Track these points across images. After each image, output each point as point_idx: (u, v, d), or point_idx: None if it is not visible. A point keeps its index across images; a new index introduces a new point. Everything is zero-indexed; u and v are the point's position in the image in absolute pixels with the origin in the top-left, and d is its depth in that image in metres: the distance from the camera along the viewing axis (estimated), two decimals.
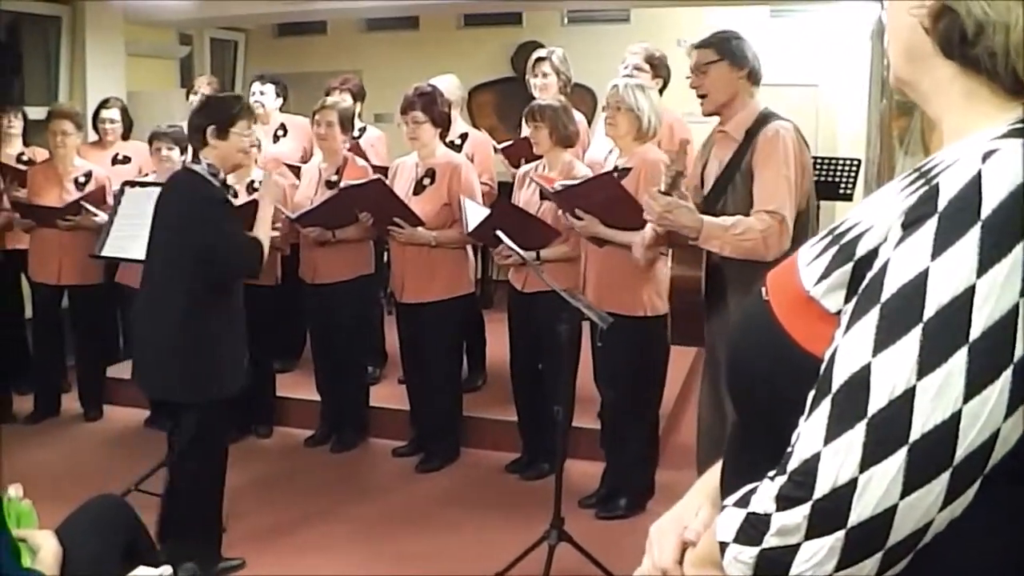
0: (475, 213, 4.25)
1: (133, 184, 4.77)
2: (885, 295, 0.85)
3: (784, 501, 0.86)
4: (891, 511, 0.82)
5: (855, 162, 6.71)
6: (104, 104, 5.70)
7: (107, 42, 6.92)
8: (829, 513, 0.83)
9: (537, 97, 4.69)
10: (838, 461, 0.83)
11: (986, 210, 0.82)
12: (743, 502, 0.92)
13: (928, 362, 0.82)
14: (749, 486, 0.93)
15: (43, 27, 6.77)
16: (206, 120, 3.47)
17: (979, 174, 0.84)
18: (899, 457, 0.81)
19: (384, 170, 4.85)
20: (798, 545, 0.85)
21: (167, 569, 2.38)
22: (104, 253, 4.60)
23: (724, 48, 3.18)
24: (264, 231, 3.56)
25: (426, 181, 4.51)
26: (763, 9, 7.77)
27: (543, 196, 4.14)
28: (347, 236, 4.68)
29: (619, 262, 3.74)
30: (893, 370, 0.83)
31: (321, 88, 5.59)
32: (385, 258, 5.12)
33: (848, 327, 0.88)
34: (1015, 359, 0.81)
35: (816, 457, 0.85)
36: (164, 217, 3.51)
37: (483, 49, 8.64)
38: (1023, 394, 0.82)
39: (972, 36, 0.92)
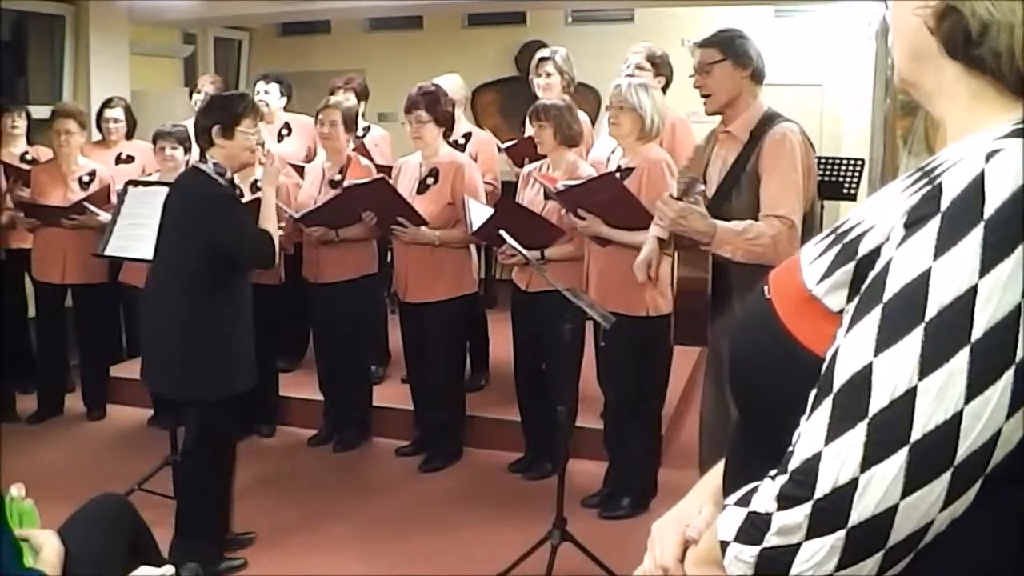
0: (479, 212, 4.25)
1: (137, 183, 4.77)
2: (887, 295, 0.85)
3: (785, 500, 0.86)
4: (892, 511, 0.82)
5: (859, 162, 6.71)
6: (108, 103, 5.71)
7: (111, 41, 6.93)
8: (830, 513, 0.83)
9: (541, 97, 4.70)
10: (839, 461, 0.83)
11: (989, 210, 0.82)
12: (744, 501, 0.92)
13: (930, 362, 0.81)
14: (750, 485, 0.92)
15: (47, 26, 6.78)
16: (211, 120, 3.48)
17: (982, 174, 0.84)
18: (900, 457, 0.81)
19: (388, 169, 4.85)
20: (799, 544, 0.85)
21: (169, 569, 2.38)
22: (107, 252, 4.60)
23: (728, 47, 3.17)
24: (271, 221, 3.56)
25: (430, 180, 4.51)
26: (767, 9, 7.76)
27: (547, 196, 4.14)
28: (351, 235, 4.68)
29: (622, 262, 3.74)
30: (895, 370, 0.83)
31: (325, 87, 5.60)
32: (389, 258, 5.12)
33: (850, 326, 0.88)
34: (1017, 360, 0.81)
35: (817, 457, 0.85)
36: (171, 216, 3.52)
37: (487, 49, 8.64)
38: None
39: (976, 36, 0.92)
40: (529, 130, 4.35)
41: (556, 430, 3.66)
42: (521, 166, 4.81)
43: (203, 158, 3.52)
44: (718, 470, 1.15)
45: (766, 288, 1.03)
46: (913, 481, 0.81)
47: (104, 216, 4.89)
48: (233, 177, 3.57)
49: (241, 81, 8.98)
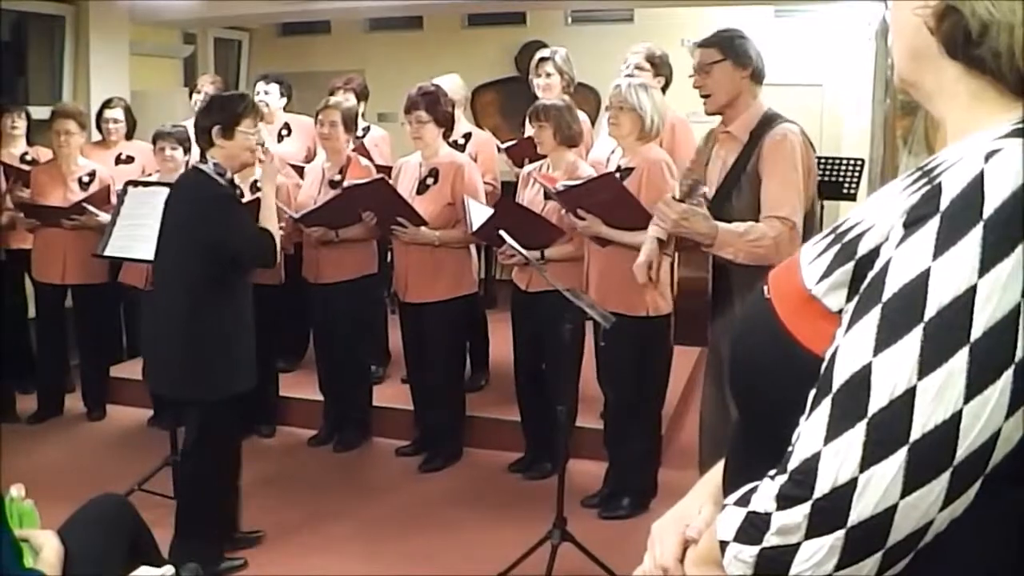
0: (479, 213, 4.25)
1: (136, 184, 4.77)
2: (886, 295, 0.85)
3: (784, 500, 0.86)
4: (891, 511, 0.82)
5: (859, 162, 6.72)
6: (108, 104, 5.71)
7: (111, 42, 6.93)
8: (829, 512, 0.83)
9: (540, 97, 4.69)
10: (838, 461, 0.83)
11: (988, 210, 0.82)
12: (744, 501, 0.92)
13: (929, 362, 0.81)
14: (750, 485, 0.92)
15: (47, 26, 6.78)
16: (211, 120, 3.48)
17: (981, 173, 0.84)
18: (899, 457, 0.81)
19: (388, 170, 4.85)
20: (798, 544, 0.85)
21: (169, 569, 2.38)
22: (107, 253, 4.60)
23: (727, 47, 3.17)
24: (271, 218, 3.57)
25: (429, 181, 4.51)
26: (767, 9, 7.75)
27: (547, 196, 4.14)
28: (350, 236, 4.68)
29: (621, 262, 3.73)
30: (894, 370, 0.83)
31: (325, 88, 5.60)
32: (388, 258, 5.13)
33: (849, 326, 0.88)
34: (1016, 359, 0.81)
35: (816, 456, 0.85)
36: (172, 217, 3.53)
37: (487, 49, 8.63)
38: None
39: (976, 36, 0.92)
40: (529, 130, 4.35)
41: (556, 430, 3.66)
42: (521, 166, 4.81)
43: (203, 159, 3.52)
44: (718, 470, 1.15)
45: (766, 288, 1.03)
46: (912, 481, 0.81)
47: (104, 217, 4.89)
48: (233, 177, 3.57)
49: (241, 81, 8.98)
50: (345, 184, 4.59)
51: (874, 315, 0.85)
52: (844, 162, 6.73)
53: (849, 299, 0.91)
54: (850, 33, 7.49)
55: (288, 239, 4.64)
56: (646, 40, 5.16)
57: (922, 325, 0.82)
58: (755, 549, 0.88)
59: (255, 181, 4.64)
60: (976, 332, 0.81)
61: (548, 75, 4.94)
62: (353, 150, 4.93)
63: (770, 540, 0.86)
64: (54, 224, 5.05)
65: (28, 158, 5.50)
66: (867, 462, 0.82)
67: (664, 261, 3.55)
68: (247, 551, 3.71)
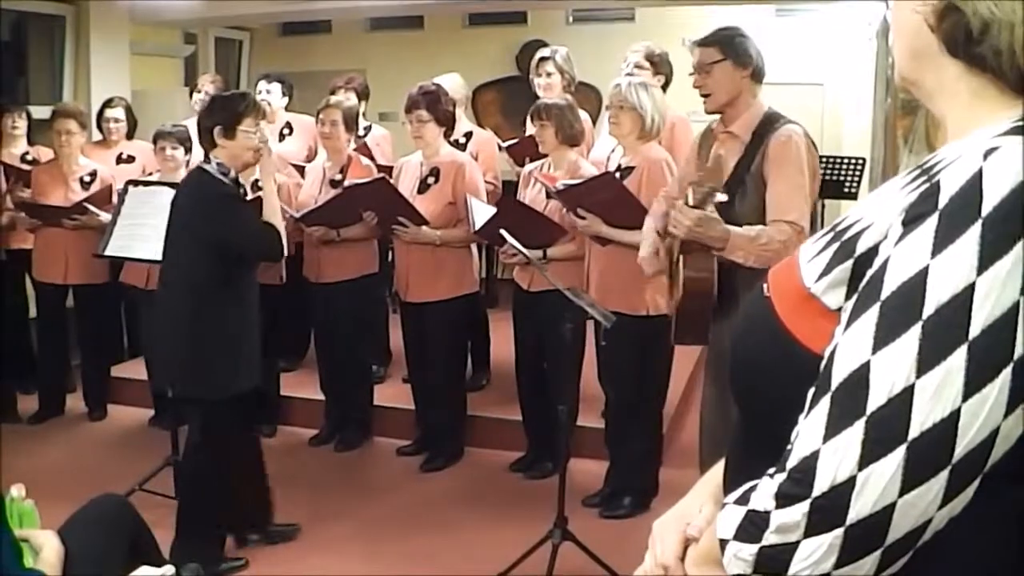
0: (482, 212, 4.25)
1: (137, 183, 4.78)
2: (885, 293, 0.85)
3: (783, 499, 0.86)
4: (890, 509, 0.82)
5: (860, 161, 6.72)
6: (108, 103, 5.71)
7: (111, 41, 6.93)
8: (828, 511, 0.83)
9: (541, 96, 4.69)
10: (837, 459, 0.83)
11: (987, 208, 0.82)
12: (743, 499, 0.92)
13: (927, 360, 0.81)
14: (750, 483, 0.92)
15: (48, 26, 6.78)
16: (213, 120, 3.49)
17: (980, 171, 0.84)
18: (898, 455, 0.81)
19: (389, 169, 4.85)
20: (797, 543, 0.85)
21: (169, 569, 2.38)
22: (108, 252, 4.60)
23: (728, 46, 3.15)
24: (274, 213, 3.57)
25: (430, 180, 4.51)
26: (768, 8, 7.75)
27: (548, 195, 4.14)
28: (351, 235, 4.68)
29: (622, 261, 3.73)
30: (892, 368, 0.83)
31: (326, 87, 5.60)
32: (389, 257, 5.13)
33: (848, 324, 0.87)
34: (1015, 357, 0.81)
35: (815, 455, 0.85)
36: (178, 217, 3.54)
37: (487, 48, 8.64)
38: (1023, 393, 0.81)
39: (977, 34, 0.92)
40: (530, 129, 4.35)
41: (557, 429, 3.66)
42: (522, 165, 4.81)
43: (207, 158, 3.53)
44: (719, 469, 1.15)
45: (765, 286, 1.03)
46: (911, 479, 0.81)
47: (105, 216, 4.89)
48: (237, 176, 3.58)
49: (242, 81, 8.98)
50: (346, 183, 4.59)
51: (873, 313, 0.85)
52: (845, 161, 6.74)
53: (848, 297, 0.91)
54: (851, 32, 7.49)
55: (289, 239, 4.63)
56: (647, 39, 5.16)
57: (920, 323, 0.82)
58: (754, 547, 0.88)
59: (256, 180, 4.64)
60: (975, 330, 0.81)
61: (549, 74, 4.94)
62: (354, 149, 4.93)
63: (769, 538, 0.86)
64: (55, 224, 5.05)
65: (29, 158, 5.51)
66: (866, 460, 0.82)
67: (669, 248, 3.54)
68: (247, 551, 3.71)
